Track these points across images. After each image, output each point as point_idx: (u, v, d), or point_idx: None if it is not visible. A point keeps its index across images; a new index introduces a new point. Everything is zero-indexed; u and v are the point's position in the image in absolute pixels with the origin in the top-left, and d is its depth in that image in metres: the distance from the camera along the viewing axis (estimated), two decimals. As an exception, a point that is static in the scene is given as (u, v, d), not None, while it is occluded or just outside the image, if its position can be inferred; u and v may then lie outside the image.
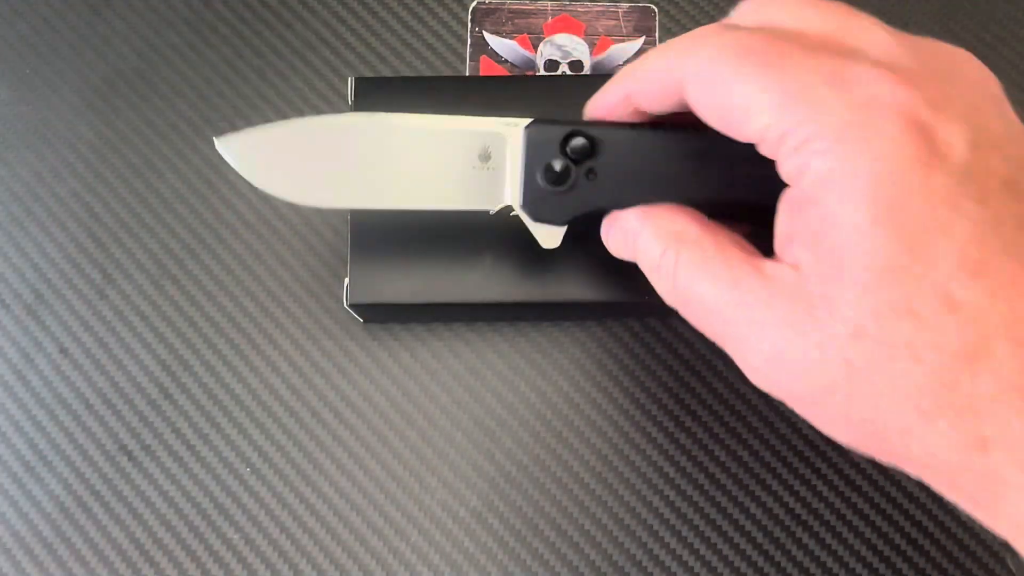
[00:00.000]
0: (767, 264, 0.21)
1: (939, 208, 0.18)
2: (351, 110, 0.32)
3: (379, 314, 0.33)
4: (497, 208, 0.27)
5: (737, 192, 0.24)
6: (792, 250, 0.20)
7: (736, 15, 0.23)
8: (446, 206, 0.27)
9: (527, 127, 0.26)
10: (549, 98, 0.31)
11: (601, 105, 0.25)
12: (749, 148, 0.21)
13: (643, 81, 0.23)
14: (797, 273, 0.20)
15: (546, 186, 0.26)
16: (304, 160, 0.26)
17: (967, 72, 0.21)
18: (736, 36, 0.21)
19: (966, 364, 0.18)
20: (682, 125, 0.24)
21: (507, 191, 0.26)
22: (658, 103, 0.23)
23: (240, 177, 0.36)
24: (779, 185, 0.21)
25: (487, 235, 0.31)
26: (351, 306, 0.31)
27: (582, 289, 0.30)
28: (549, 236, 0.26)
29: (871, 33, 0.21)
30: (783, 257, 0.21)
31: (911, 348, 0.18)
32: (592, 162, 0.25)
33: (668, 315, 0.34)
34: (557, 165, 0.25)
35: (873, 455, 0.21)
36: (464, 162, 0.26)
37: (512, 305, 0.31)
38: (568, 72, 0.37)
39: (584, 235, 0.30)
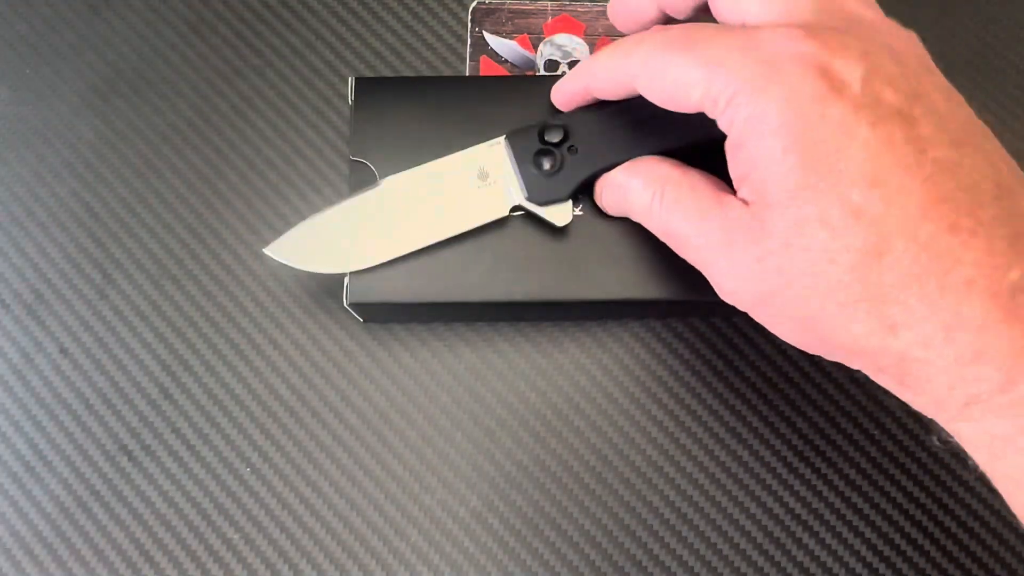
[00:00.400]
0: (728, 200, 0.25)
1: (837, 133, 0.22)
2: (351, 110, 0.32)
3: (379, 314, 0.33)
4: (508, 210, 0.30)
5: (697, 133, 0.26)
6: (741, 188, 0.24)
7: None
8: (470, 226, 0.30)
9: (507, 137, 0.30)
10: (549, 98, 0.31)
11: (564, 96, 0.30)
12: None
13: (598, 78, 0.28)
14: (745, 207, 0.24)
15: (540, 174, 0.30)
16: (339, 238, 0.30)
17: (887, 37, 0.24)
18: (664, 33, 0.25)
19: (873, 260, 0.22)
20: None
21: (512, 194, 0.30)
22: (613, 94, 0.28)
23: (240, 178, 0.36)
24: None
25: (486, 235, 0.31)
26: (351, 306, 0.31)
27: (582, 289, 0.31)
28: (560, 214, 0.30)
29: (794, 4, 0.24)
30: (739, 194, 0.24)
31: (827, 252, 0.22)
32: (569, 142, 0.29)
33: (666, 315, 0.35)
34: (543, 155, 0.29)
35: (815, 351, 0.24)
36: (469, 186, 0.30)
37: (512, 305, 0.31)
38: (568, 72, 0.37)
39: (582, 235, 0.30)
